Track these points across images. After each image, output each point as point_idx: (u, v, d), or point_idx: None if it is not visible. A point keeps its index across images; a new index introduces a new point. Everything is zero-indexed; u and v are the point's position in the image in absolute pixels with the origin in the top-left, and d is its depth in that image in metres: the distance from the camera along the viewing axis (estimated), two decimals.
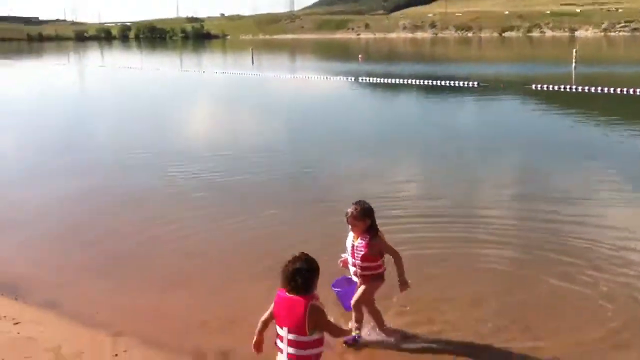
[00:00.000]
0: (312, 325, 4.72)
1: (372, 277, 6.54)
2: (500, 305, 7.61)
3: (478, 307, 7.57)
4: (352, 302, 6.59)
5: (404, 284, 6.52)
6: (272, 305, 4.98)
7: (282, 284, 4.83)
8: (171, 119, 26.00)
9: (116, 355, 6.47)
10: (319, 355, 4.90)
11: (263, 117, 26.45)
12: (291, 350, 4.80)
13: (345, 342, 6.60)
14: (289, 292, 4.79)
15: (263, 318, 5.18)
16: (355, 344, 6.64)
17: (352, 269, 6.62)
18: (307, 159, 16.57)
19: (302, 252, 4.93)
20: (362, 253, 6.44)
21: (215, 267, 9.11)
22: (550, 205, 11.80)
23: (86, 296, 8.13)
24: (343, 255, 6.78)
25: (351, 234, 6.58)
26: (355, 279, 6.64)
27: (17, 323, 7.16)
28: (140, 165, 16.02)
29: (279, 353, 4.92)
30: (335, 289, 6.67)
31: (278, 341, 4.89)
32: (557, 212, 11.34)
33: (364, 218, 6.40)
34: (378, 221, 6.53)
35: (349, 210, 6.43)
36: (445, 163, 16.17)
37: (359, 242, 6.45)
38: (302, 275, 4.74)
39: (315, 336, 4.80)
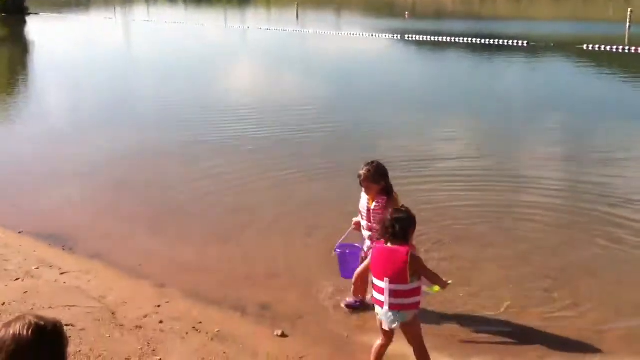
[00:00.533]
0: (412, 273, 4.84)
1: None
2: (543, 267, 7.50)
3: (519, 269, 7.48)
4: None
5: None
6: (367, 260, 5.14)
7: (381, 234, 5.03)
8: (216, 75, 26.07)
9: (159, 305, 6.59)
10: (419, 303, 4.99)
11: (306, 75, 26.32)
12: (393, 300, 4.89)
13: (347, 306, 6.47)
14: (388, 242, 4.93)
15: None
16: (357, 308, 6.43)
17: (366, 234, 6.25)
18: (350, 117, 16.49)
19: (402, 205, 5.15)
20: (380, 216, 5.89)
21: (259, 221, 9.17)
22: (598, 167, 11.66)
23: (132, 248, 8.30)
24: (355, 218, 6.42)
25: (364, 197, 6.20)
26: (368, 244, 6.20)
27: (63, 273, 7.34)
28: (189, 121, 16.15)
29: (378, 307, 5.03)
30: (338, 251, 6.37)
31: (377, 295, 4.98)
32: (605, 174, 11.18)
33: (378, 180, 6.00)
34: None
35: (362, 172, 6.03)
36: (491, 122, 15.98)
37: (375, 205, 6.06)
38: (400, 222, 4.89)
39: (415, 284, 4.90)
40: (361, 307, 6.41)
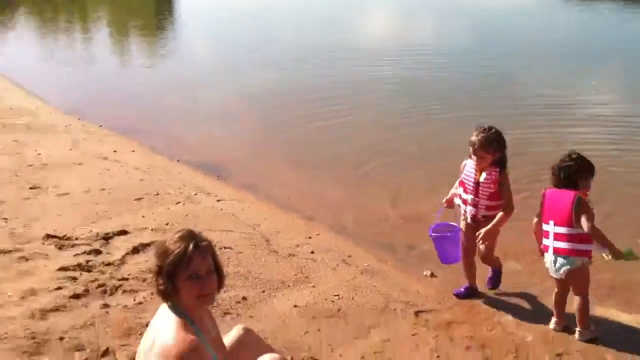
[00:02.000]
0: (578, 217, 4.69)
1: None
2: None
3: None
4: (482, 255, 5.55)
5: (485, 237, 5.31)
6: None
7: (551, 180, 4.95)
8: (357, 19, 25.88)
9: (309, 237, 6.79)
10: (588, 252, 4.78)
11: (449, 23, 25.63)
12: (558, 244, 4.78)
13: (456, 295, 5.68)
14: (556, 187, 4.88)
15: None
16: (465, 296, 5.69)
17: (469, 210, 5.42)
18: (496, 65, 15.93)
19: (574, 151, 4.97)
20: (491, 191, 5.26)
21: (403, 163, 9.24)
22: None
23: (279, 182, 8.61)
24: (447, 197, 5.64)
25: (470, 166, 5.37)
26: (468, 220, 5.50)
27: (219, 200, 7.71)
28: (328, 62, 16.30)
29: (545, 254, 4.93)
30: (434, 235, 5.59)
31: (544, 240, 4.90)
32: None
33: (495, 149, 5.18)
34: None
35: (476, 138, 5.17)
36: None
37: (486, 178, 5.25)
38: (565, 170, 4.82)
39: (583, 231, 4.71)
40: (469, 294, 5.72)
